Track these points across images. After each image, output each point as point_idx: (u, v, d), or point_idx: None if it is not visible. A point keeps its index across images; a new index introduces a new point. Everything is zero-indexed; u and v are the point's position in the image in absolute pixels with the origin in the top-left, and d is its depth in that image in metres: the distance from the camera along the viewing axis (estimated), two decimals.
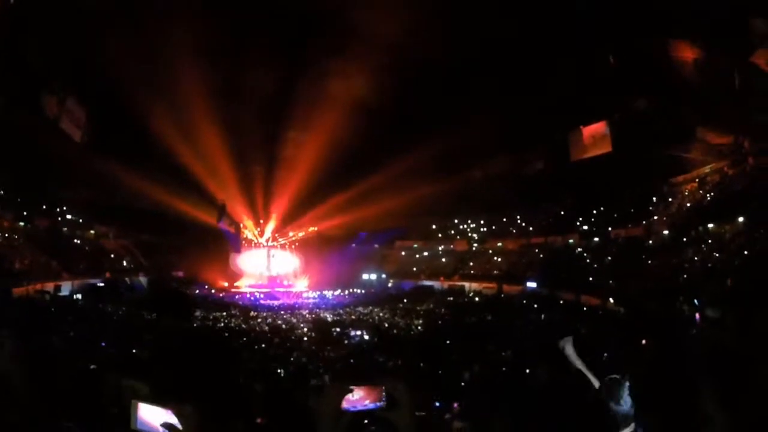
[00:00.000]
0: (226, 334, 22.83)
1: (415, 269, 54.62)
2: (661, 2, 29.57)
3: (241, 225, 55.76)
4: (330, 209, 52.60)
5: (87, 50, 33.16)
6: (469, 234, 56.73)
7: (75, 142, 36.39)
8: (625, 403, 3.27)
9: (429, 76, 41.47)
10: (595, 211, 46.67)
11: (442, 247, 56.58)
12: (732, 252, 28.14)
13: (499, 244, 53.15)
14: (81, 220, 46.64)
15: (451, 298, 42.70)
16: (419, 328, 26.97)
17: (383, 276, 54.19)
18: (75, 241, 45.35)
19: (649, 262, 34.60)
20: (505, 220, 54.75)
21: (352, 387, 1.71)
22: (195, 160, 46.12)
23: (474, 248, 54.62)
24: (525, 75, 37.81)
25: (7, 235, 37.58)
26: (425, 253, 56.86)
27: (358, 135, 44.28)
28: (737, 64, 28.95)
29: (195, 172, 46.74)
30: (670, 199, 41.43)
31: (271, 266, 58.07)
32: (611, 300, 29.58)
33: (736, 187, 34.36)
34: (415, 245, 57.92)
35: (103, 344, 14.48)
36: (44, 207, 43.46)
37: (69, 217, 45.83)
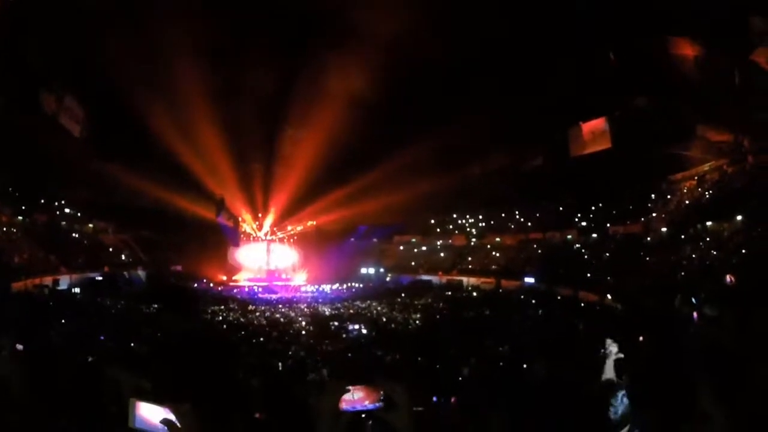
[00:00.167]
0: (224, 327, 22.92)
1: (413, 264, 54.64)
2: (661, 1, 29.57)
3: (240, 219, 55.71)
4: (328, 204, 52.64)
5: (86, 49, 33.13)
6: (468, 229, 56.75)
7: (74, 141, 36.40)
8: (618, 411, 3.27)
9: (428, 73, 41.44)
10: (593, 208, 46.71)
11: (441, 241, 56.59)
12: (730, 250, 28.16)
13: (498, 239, 53.17)
14: (79, 215, 46.62)
15: (450, 293, 42.70)
16: (417, 322, 27.00)
17: (381, 270, 54.23)
18: (73, 235, 45.31)
19: (648, 259, 34.63)
20: (503, 215, 54.75)
21: (349, 387, 1.72)
22: (194, 157, 46.14)
23: (472, 243, 54.66)
24: (525, 72, 37.80)
25: (5, 229, 37.56)
26: (423, 248, 56.88)
27: (357, 130, 44.33)
28: (737, 63, 28.94)
29: (194, 167, 46.75)
30: (668, 197, 41.45)
31: (270, 260, 58.06)
32: (609, 296, 29.63)
33: (735, 185, 34.38)
34: (414, 240, 57.92)
35: (102, 338, 14.50)
36: (42, 202, 43.43)
37: (67, 211, 45.81)
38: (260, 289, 47.14)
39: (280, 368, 12.01)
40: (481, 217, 56.24)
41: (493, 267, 48.86)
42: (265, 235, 59.09)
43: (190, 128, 44.29)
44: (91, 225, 47.49)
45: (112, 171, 41.43)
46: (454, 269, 51.06)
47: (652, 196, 42.41)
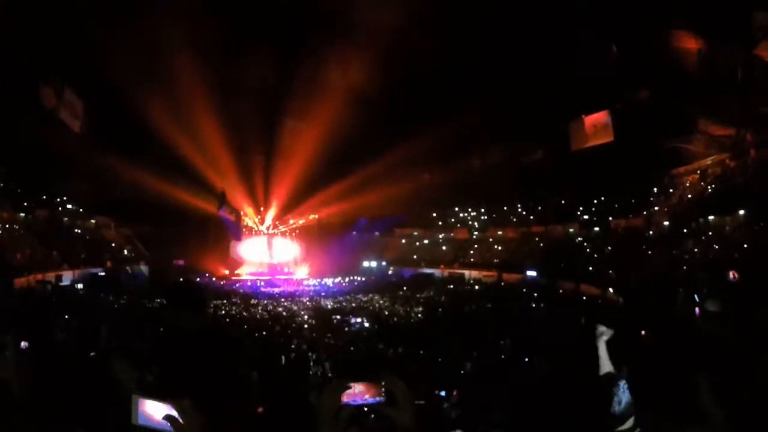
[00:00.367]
0: (227, 321, 22.98)
1: (415, 257, 54.65)
2: None
3: (242, 213, 55.78)
4: (330, 197, 52.67)
5: (84, 43, 33.07)
6: (470, 222, 56.76)
7: (74, 135, 36.36)
8: (621, 401, 3.28)
9: (429, 66, 41.38)
10: (595, 201, 46.69)
11: (443, 235, 56.58)
12: (732, 245, 28.14)
13: (500, 232, 53.17)
14: (81, 210, 46.68)
15: (451, 286, 42.77)
16: (419, 315, 27.07)
17: (383, 264, 54.26)
18: (75, 231, 45.38)
19: (649, 253, 34.62)
20: (505, 208, 54.74)
21: (350, 384, 1.73)
22: (194, 150, 46.18)
23: (474, 236, 54.66)
24: (527, 64, 37.71)
25: (7, 226, 37.62)
26: (425, 241, 56.88)
27: (359, 123, 44.26)
28: (740, 57, 28.87)
29: (195, 161, 46.80)
30: (671, 191, 41.41)
31: (272, 254, 58.15)
32: (611, 290, 29.66)
33: (737, 179, 34.32)
34: (416, 233, 57.94)
35: (105, 333, 14.54)
36: (44, 198, 43.46)
37: (69, 207, 45.87)
38: (262, 283, 47.25)
39: (283, 362, 12.06)
40: (483, 210, 56.23)
41: (495, 260, 48.84)
42: (267, 228, 59.17)
43: (190, 119, 44.31)
44: (93, 221, 47.55)
45: (112, 165, 41.41)
46: (455, 262, 51.08)
47: (654, 189, 42.35)
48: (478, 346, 13.79)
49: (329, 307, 31.10)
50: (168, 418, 1.64)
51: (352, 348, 15.66)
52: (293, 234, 59.70)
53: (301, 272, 54.95)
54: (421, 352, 13.99)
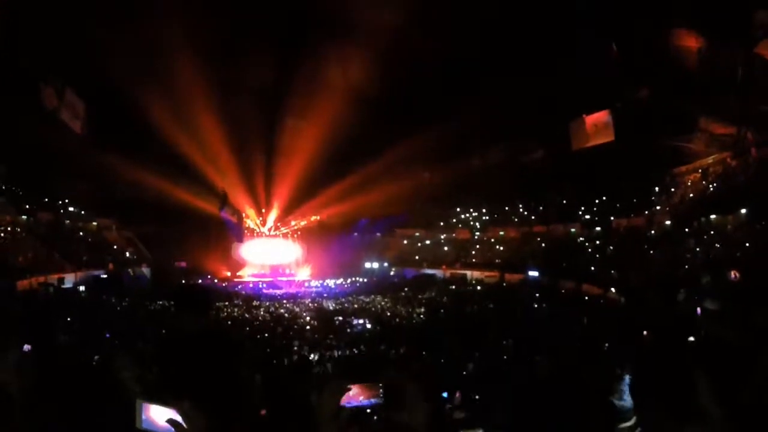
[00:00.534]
0: (229, 323, 22.99)
1: (417, 257, 54.66)
2: None
3: (243, 214, 55.82)
4: (331, 197, 52.71)
5: (84, 43, 33.09)
6: (471, 222, 56.76)
7: (75, 136, 36.38)
8: (626, 397, 3.29)
9: (429, 65, 41.38)
10: (597, 201, 46.67)
11: (444, 235, 56.58)
12: (734, 244, 28.11)
13: (501, 232, 53.17)
14: (83, 212, 46.71)
15: (453, 287, 42.75)
16: (421, 316, 27.04)
17: (385, 264, 54.24)
18: (77, 233, 45.41)
19: (651, 252, 34.60)
20: (507, 208, 54.75)
21: (350, 386, 1.74)
22: (196, 151, 46.21)
23: (476, 237, 54.66)
24: (527, 64, 37.71)
25: (9, 229, 37.66)
26: (427, 242, 56.88)
27: (360, 123, 44.25)
28: (740, 56, 28.85)
29: (196, 162, 46.83)
30: (672, 190, 41.39)
31: (274, 255, 58.15)
32: (612, 290, 29.66)
33: (738, 178, 34.30)
34: (417, 233, 57.94)
35: (108, 335, 14.58)
36: (46, 200, 43.52)
37: (71, 209, 45.91)
38: (264, 285, 47.23)
39: (285, 363, 12.06)
40: (484, 210, 56.25)
41: (497, 260, 48.82)
42: (269, 230, 59.20)
43: (191, 119, 44.36)
44: (95, 223, 47.58)
45: (113, 165, 41.42)
46: (457, 263, 51.07)
47: (656, 189, 42.35)
48: (481, 347, 13.79)
49: (331, 308, 31.09)
50: (171, 422, 1.65)
51: (354, 349, 15.66)
52: (295, 235, 59.73)
53: (303, 274, 54.92)
54: (424, 353, 13.98)
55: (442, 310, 29.22)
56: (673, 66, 32.25)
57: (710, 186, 37.21)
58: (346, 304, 32.62)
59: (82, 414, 2.67)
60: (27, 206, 41.02)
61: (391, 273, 52.23)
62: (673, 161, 40.34)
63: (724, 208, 32.18)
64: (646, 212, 40.72)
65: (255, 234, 58.44)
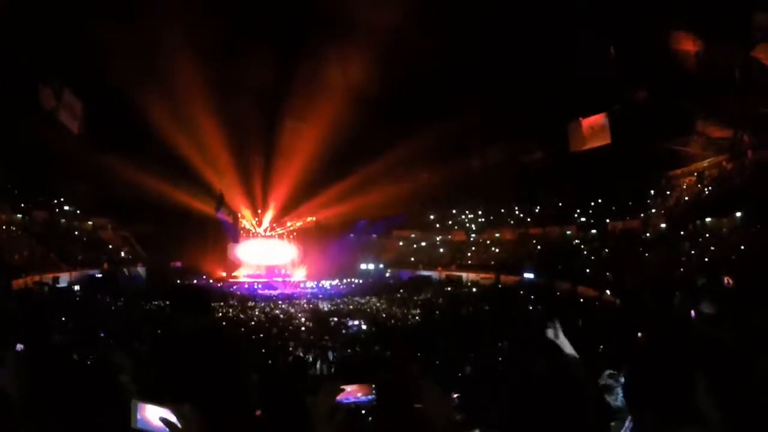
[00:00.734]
0: (224, 323, 22.93)
1: (412, 259, 54.63)
2: None
3: (239, 215, 55.72)
4: (328, 198, 52.60)
5: (83, 43, 33.03)
6: (467, 224, 56.75)
7: (73, 136, 36.29)
8: (619, 397, 3.29)
9: (428, 66, 41.40)
10: (593, 203, 46.72)
11: (440, 237, 56.56)
12: (729, 247, 28.19)
13: (497, 234, 53.15)
14: (78, 212, 46.56)
15: (449, 288, 42.74)
16: (417, 318, 27.04)
17: (381, 266, 54.20)
18: (73, 232, 45.25)
19: (646, 254, 34.67)
20: (503, 210, 54.75)
21: (343, 387, 1.74)
22: (193, 151, 46.11)
23: (471, 238, 54.64)
24: (524, 65, 37.77)
25: (4, 227, 37.52)
26: (423, 243, 56.84)
27: (359, 124, 44.23)
28: (738, 58, 28.92)
29: (193, 162, 46.73)
30: (668, 192, 41.46)
31: (269, 256, 58.04)
32: (608, 292, 29.68)
33: (734, 181, 34.41)
34: (413, 235, 57.89)
35: (103, 335, 14.53)
36: (41, 199, 43.36)
37: (66, 208, 45.75)
38: (260, 285, 47.15)
39: (281, 364, 12.04)
40: (480, 212, 56.23)
41: (492, 262, 48.82)
42: (265, 231, 59.09)
43: (188, 119, 44.26)
44: (90, 222, 47.41)
45: (110, 166, 41.31)
46: (453, 264, 51.05)
47: (651, 191, 42.41)
48: (476, 348, 13.78)
49: (327, 309, 31.06)
50: (165, 421, 1.64)
51: (349, 350, 15.65)
52: (291, 236, 59.62)
53: (299, 274, 54.86)
54: (419, 354, 13.97)
55: (437, 312, 29.23)
56: (672, 67, 32.35)
57: (706, 189, 37.30)
58: (341, 305, 32.60)
59: (77, 413, 2.66)
60: (22, 205, 40.84)
61: (387, 274, 52.20)
62: (670, 164, 40.44)
63: (719, 211, 32.28)
64: (642, 215, 40.76)
65: (251, 234, 58.35)
